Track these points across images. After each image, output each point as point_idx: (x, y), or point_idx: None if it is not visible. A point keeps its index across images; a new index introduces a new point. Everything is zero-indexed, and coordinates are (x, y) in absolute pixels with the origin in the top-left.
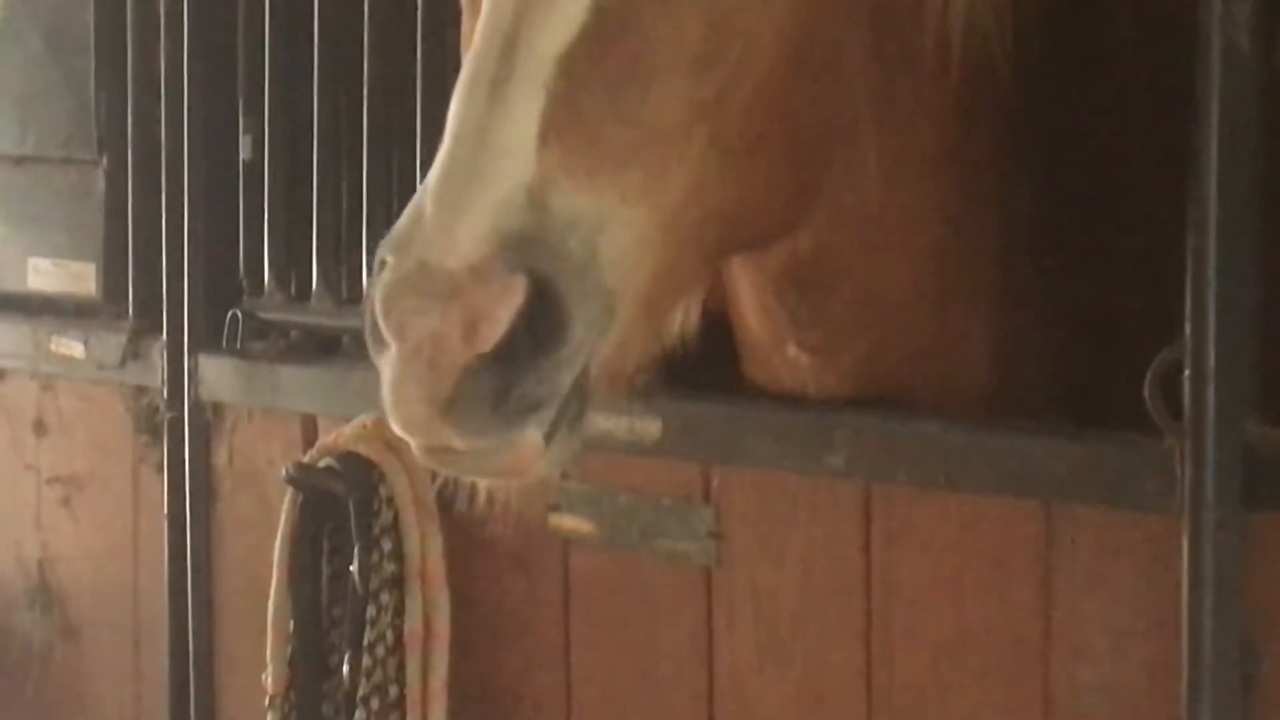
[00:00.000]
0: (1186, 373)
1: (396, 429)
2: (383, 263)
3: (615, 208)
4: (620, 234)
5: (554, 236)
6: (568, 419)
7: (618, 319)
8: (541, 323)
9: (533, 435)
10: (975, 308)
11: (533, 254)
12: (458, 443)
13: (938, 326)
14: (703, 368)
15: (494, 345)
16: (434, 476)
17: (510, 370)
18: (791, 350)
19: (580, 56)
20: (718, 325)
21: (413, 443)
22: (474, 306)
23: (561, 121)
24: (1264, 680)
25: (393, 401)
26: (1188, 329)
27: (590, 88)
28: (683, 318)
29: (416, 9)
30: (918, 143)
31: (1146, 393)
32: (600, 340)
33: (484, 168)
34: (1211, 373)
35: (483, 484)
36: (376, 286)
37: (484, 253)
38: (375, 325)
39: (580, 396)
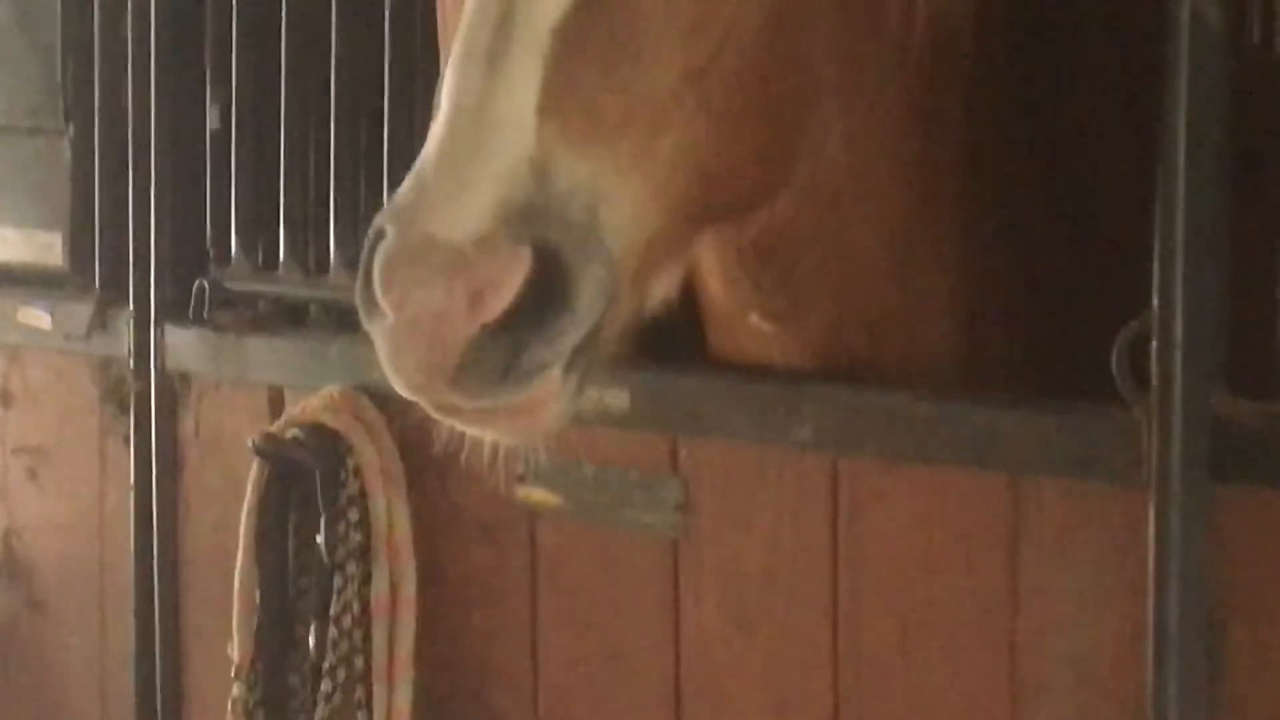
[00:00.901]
0: (1154, 343)
1: (400, 391)
2: (380, 231)
3: (612, 176)
4: (618, 202)
5: (557, 206)
6: (577, 373)
7: (619, 284)
8: (549, 290)
9: (550, 377)
10: (940, 276)
11: (537, 224)
12: (464, 404)
13: (902, 295)
14: (667, 338)
15: (500, 315)
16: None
17: (518, 337)
18: (755, 319)
19: (575, 28)
20: (682, 295)
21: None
22: (480, 279)
23: (559, 93)
24: (1230, 651)
25: (392, 370)
26: (1155, 299)
27: (586, 59)
28: (665, 287)
29: None
30: (881, 111)
31: (1114, 364)
32: (605, 304)
33: (486, 139)
34: (1179, 343)
35: (490, 437)
36: (376, 255)
37: (490, 225)
38: (369, 292)
39: (589, 356)
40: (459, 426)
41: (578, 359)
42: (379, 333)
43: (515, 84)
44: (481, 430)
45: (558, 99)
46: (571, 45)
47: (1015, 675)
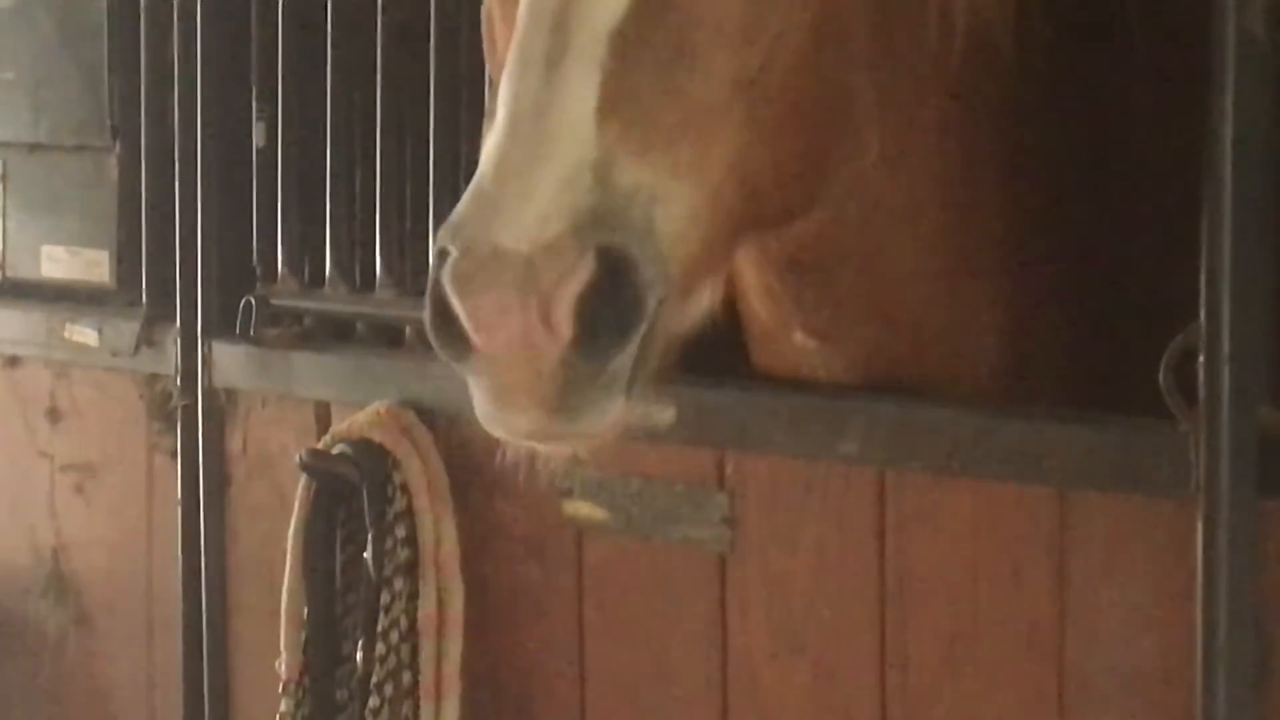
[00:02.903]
0: (1201, 358)
1: (500, 434)
2: (443, 252)
3: (669, 181)
4: (672, 206)
5: (620, 209)
6: (638, 382)
7: (671, 288)
8: (620, 294)
9: (616, 404)
10: (984, 291)
11: (604, 229)
12: (569, 431)
13: (945, 310)
14: (711, 355)
15: (580, 327)
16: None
17: (599, 347)
18: (798, 336)
19: (630, 34)
20: (725, 312)
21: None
22: (552, 291)
23: (616, 99)
24: (1279, 665)
25: (498, 411)
26: (1203, 313)
27: (641, 65)
28: (705, 300)
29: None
30: (920, 126)
31: (1161, 377)
32: (662, 307)
33: (546, 146)
34: (1226, 357)
35: (552, 451)
36: (444, 276)
37: (557, 231)
38: (442, 316)
39: (647, 360)
40: (524, 442)
41: (636, 368)
42: (473, 375)
43: (573, 89)
44: (547, 448)
45: (615, 104)
46: (627, 50)
47: (1063, 689)
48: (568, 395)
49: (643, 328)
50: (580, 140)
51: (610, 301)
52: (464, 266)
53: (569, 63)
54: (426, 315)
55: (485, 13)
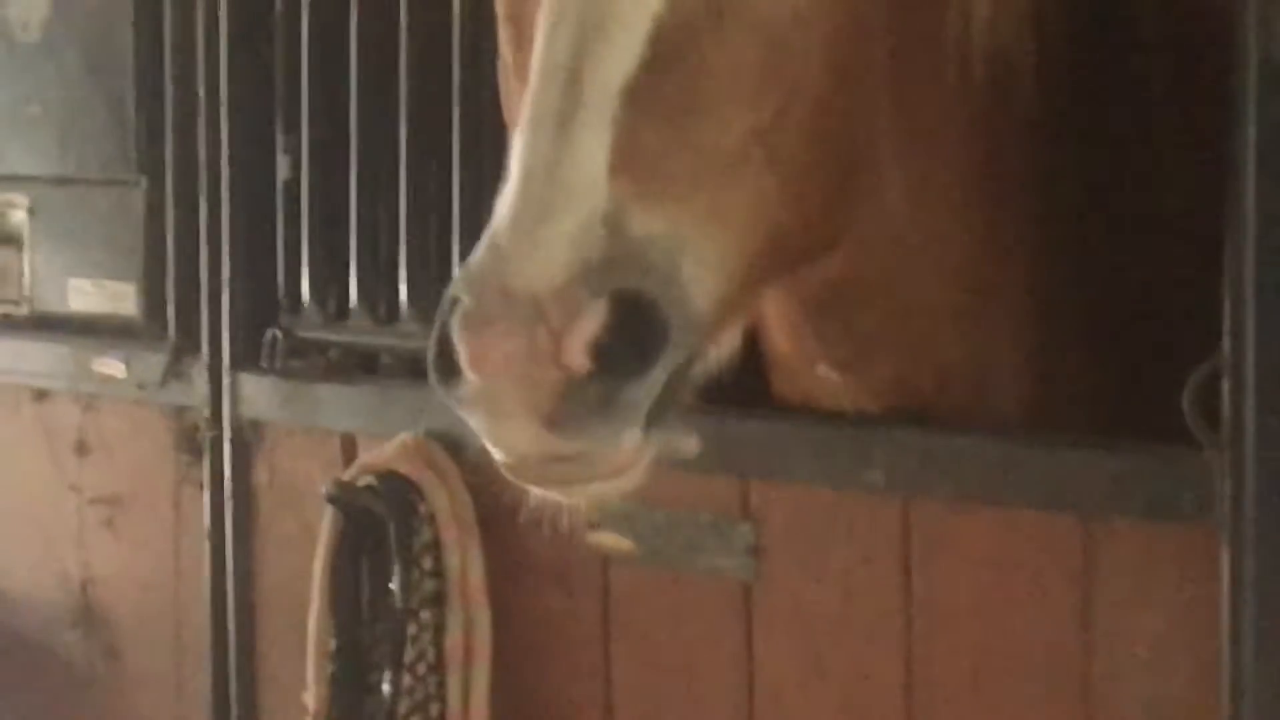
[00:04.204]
0: (1225, 383)
1: (495, 450)
2: (455, 300)
3: (687, 232)
4: (696, 253)
5: (635, 254)
6: (660, 417)
7: (701, 333)
8: (641, 332)
9: (632, 435)
10: (1007, 323)
11: (618, 275)
12: (563, 448)
13: (969, 343)
14: (732, 384)
15: (594, 363)
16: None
17: (613, 380)
18: (821, 368)
19: (642, 89)
20: (745, 341)
21: (505, 465)
22: (563, 328)
23: (629, 154)
24: None
25: (489, 422)
26: (1226, 340)
27: (653, 119)
28: (731, 338)
29: (452, 31)
30: (941, 161)
31: (1185, 404)
32: (688, 351)
33: (558, 200)
34: (1251, 384)
35: (580, 493)
36: (452, 320)
37: (566, 278)
38: (444, 357)
39: (671, 396)
40: (552, 493)
41: (660, 406)
42: (464, 398)
43: (585, 146)
44: (569, 494)
45: (628, 159)
46: (639, 106)
47: (1090, 718)
48: (567, 411)
49: (659, 364)
50: (591, 194)
51: (625, 339)
52: (472, 308)
53: (581, 120)
54: (429, 353)
55: (500, 63)
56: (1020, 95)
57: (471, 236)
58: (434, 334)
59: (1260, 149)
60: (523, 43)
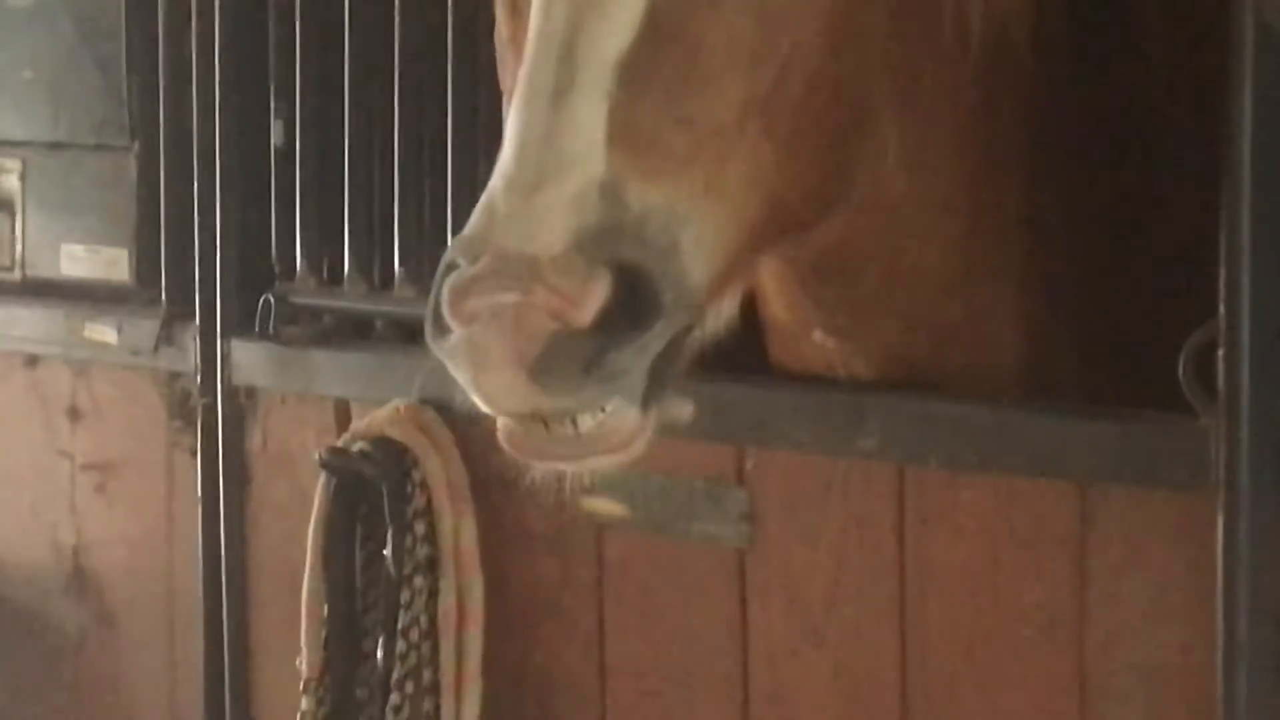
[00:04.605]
0: (1220, 351)
1: (480, 401)
2: (452, 264)
3: (685, 202)
4: (694, 226)
5: (632, 227)
6: (656, 393)
7: (698, 302)
8: (635, 304)
9: (627, 408)
10: (1002, 290)
11: (615, 244)
12: (545, 403)
13: (964, 309)
14: (728, 350)
15: (587, 325)
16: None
17: (603, 341)
18: (818, 335)
19: (637, 62)
20: (742, 308)
21: (505, 438)
22: (559, 293)
23: (625, 126)
24: None
25: (472, 369)
26: (1221, 308)
27: (650, 92)
28: (729, 305)
29: (447, 5)
30: (939, 128)
31: (1181, 372)
32: (685, 321)
33: (554, 169)
34: (1246, 352)
35: (579, 466)
36: (446, 284)
37: (563, 245)
38: (438, 321)
39: (668, 371)
40: (550, 464)
41: (656, 381)
42: (452, 349)
43: (581, 117)
44: (567, 465)
45: (624, 132)
46: (635, 79)
47: (1084, 683)
48: (552, 363)
49: (650, 332)
50: (589, 163)
51: (620, 306)
52: (467, 271)
53: (577, 93)
54: (426, 315)
55: (496, 32)
56: (1018, 66)
57: (466, 202)
58: (431, 298)
59: (1256, 116)
60: (518, 14)
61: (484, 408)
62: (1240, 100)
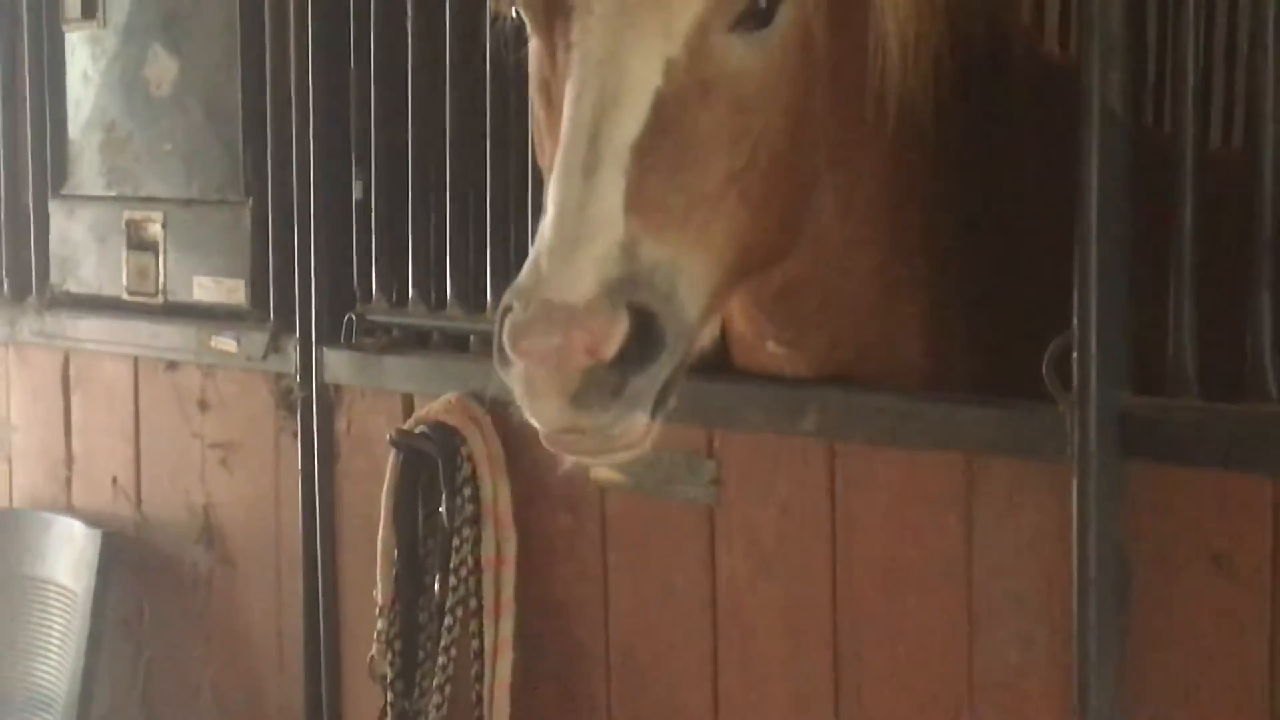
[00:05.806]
0: (1075, 355)
1: (533, 420)
2: (508, 307)
3: (682, 254)
4: (688, 273)
5: (644, 277)
6: (663, 404)
7: (693, 333)
8: (645, 339)
9: (641, 417)
10: (910, 310)
11: (632, 292)
12: (584, 422)
13: (881, 325)
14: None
15: (611, 357)
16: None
17: (625, 372)
18: (771, 345)
19: (647, 145)
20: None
21: (542, 433)
22: (591, 332)
23: (638, 196)
24: (1136, 590)
25: (528, 399)
26: (1075, 321)
27: (656, 168)
28: (711, 329)
29: (486, 92)
30: (863, 183)
31: (1044, 370)
32: (683, 350)
33: (585, 232)
34: (1094, 356)
35: (602, 461)
36: (506, 324)
37: (594, 293)
38: (502, 351)
39: (671, 387)
40: (576, 459)
41: (663, 396)
42: (514, 378)
43: (605, 190)
44: (593, 460)
45: (638, 200)
46: (646, 158)
47: (972, 608)
48: (587, 393)
49: (660, 361)
50: (611, 227)
51: (634, 342)
52: (520, 316)
53: (601, 169)
54: (494, 348)
55: (532, 120)
56: (922, 131)
57: (500, 241)
58: (495, 335)
59: (1101, 177)
60: (552, 106)
61: (536, 424)
62: (1089, 164)
